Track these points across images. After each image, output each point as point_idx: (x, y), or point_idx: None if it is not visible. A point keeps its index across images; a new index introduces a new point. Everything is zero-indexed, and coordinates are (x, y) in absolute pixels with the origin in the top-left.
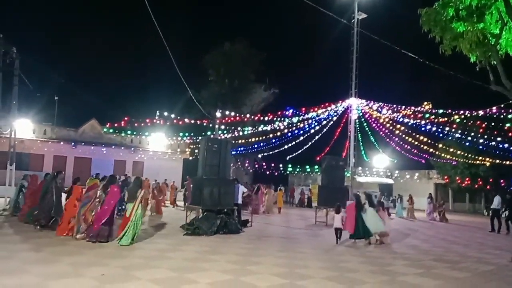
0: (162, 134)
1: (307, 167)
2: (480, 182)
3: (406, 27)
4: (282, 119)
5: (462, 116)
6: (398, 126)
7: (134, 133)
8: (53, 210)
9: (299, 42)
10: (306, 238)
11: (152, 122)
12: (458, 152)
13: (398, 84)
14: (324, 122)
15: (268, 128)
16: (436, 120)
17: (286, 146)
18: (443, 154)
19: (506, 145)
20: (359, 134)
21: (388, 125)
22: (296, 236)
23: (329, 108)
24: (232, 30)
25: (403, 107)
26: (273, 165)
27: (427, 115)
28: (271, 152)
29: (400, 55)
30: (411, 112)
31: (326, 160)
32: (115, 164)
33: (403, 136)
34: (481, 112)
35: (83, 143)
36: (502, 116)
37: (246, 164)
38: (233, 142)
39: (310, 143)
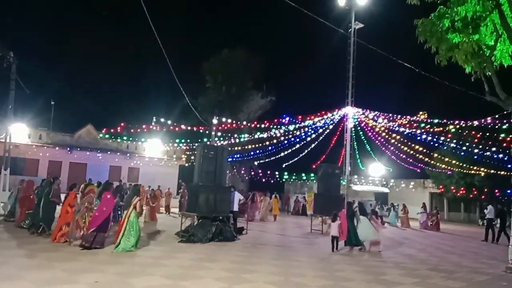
0: (158, 140)
1: (303, 175)
2: (475, 192)
3: (403, 38)
4: (279, 126)
5: (457, 126)
6: (394, 135)
7: (130, 139)
8: (41, 217)
9: (297, 51)
10: (302, 247)
11: (148, 128)
12: (453, 161)
13: (394, 94)
14: (321, 130)
15: (265, 135)
16: (431, 130)
17: (282, 154)
18: (438, 164)
19: (501, 155)
20: (355, 143)
21: (384, 134)
22: (291, 244)
23: (325, 116)
24: (230, 37)
25: (399, 116)
26: (269, 172)
27: (422, 125)
28: (267, 160)
29: (396, 65)
30: (406, 122)
31: (322, 168)
32: (110, 170)
33: (399, 145)
34: (476, 122)
35: (78, 149)
36: (496, 126)
37: (242, 171)
38: (230, 149)
39: (306, 151)
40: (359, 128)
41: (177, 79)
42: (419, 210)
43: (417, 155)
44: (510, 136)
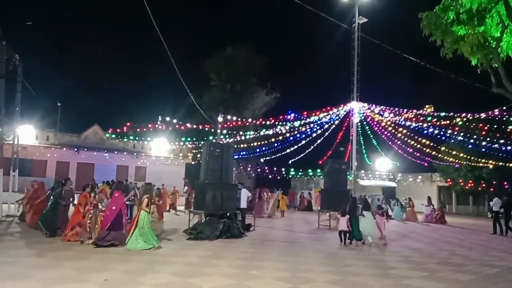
0: (164, 139)
1: (310, 170)
2: (484, 185)
3: (407, 31)
4: (284, 123)
5: (464, 119)
6: (400, 129)
7: (137, 138)
8: (49, 218)
9: (301, 46)
10: (309, 242)
11: (154, 127)
12: (461, 154)
13: (400, 88)
14: (326, 126)
15: (270, 132)
16: (438, 123)
17: (288, 150)
18: (445, 157)
19: (509, 147)
20: (361, 138)
21: (390, 128)
22: (299, 240)
23: (331, 112)
24: (234, 34)
25: (405, 110)
26: (275, 169)
27: (429, 118)
28: (273, 156)
29: (401, 58)
30: (413, 115)
31: (329, 163)
32: (117, 169)
33: (406, 139)
34: (483, 115)
35: (85, 149)
36: (504, 119)
37: (249, 169)
38: (235, 146)
39: (312, 147)
40: (365, 123)
41: (182, 77)
42: (425, 204)
43: (424, 148)
44: None
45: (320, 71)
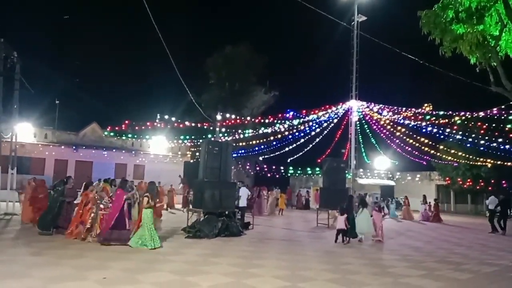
0: (163, 137)
1: (308, 169)
2: (482, 184)
3: (406, 29)
4: (283, 121)
5: (463, 118)
6: (399, 128)
7: (135, 136)
8: (52, 216)
9: (299, 45)
10: (308, 240)
11: (153, 125)
12: (460, 153)
13: (399, 86)
14: (325, 125)
15: (269, 130)
16: (436, 122)
17: (287, 149)
18: (444, 156)
19: (507, 146)
20: (360, 136)
21: (389, 127)
22: (298, 238)
23: (329, 110)
24: (233, 33)
25: (404, 109)
26: (274, 167)
27: (427, 117)
28: (272, 155)
29: (400, 57)
30: (411, 114)
31: (327, 162)
32: (116, 167)
33: (404, 137)
34: (481, 114)
35: (84, 147)
36: (503, 117)
37: (247, 167)
38: (234, 144)
39: (311, 145)
40: (363, 121)
41: (181, 76)
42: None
43: (423, 147)
44: None
45: (319, 69)
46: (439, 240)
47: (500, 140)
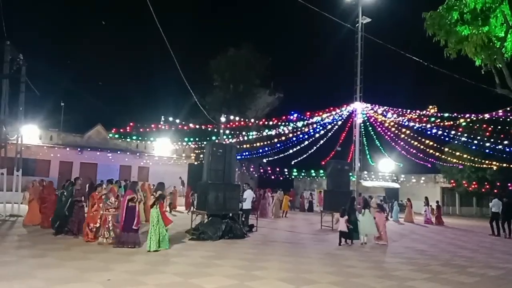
0: (167, 139)
1: (312, 171)
2: (488, 186)
3: (411, 31)
4: (287, 123)
5: (468, 120)
6: (404, 130)
7: (140, 138)
8: (66, 218)
9: (304, 47)
10: (312, 243)
11: (157, 127)
12: (465, 155)
13: (403, 88)
14: (329, 127)
15: (273, 132)
16: (441, 124)
17: (291, 151)
18: (449, 158)
19: None
20: (364, 138)
21: (393, 129)
22: (301, 241)
23: (333, 112)
24: (236, 35)
25: (408, 111)
26: (278, 169)
27: (432, 119)
28: (276, 157)
29: (405, 59)
30: (416, 116)
31: (331, 164)
32: (120, 169)
33: (409, 140)
34: (487, 116)
35: (89, 149)
36: (508, 119)
37: (251, 169)
38: (238, 147)
39: (315, 147)
40: (368, 123)
41: (185, 78)
42: (432, 205)
43: (428, 149)
44: None
45: (323, 71)
46: (444, 243)
47: (505, 142)
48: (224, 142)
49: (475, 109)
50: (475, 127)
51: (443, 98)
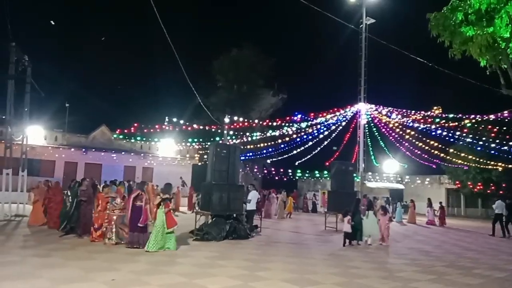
0: (171, 140)
1: (316, 172)
2: (493, 187)
3: (415, 32)
4: (291, 124)
5: (473, 121)
6: (408, 131)
7: (144, 139)
8: (74, 218)
9: (307, 47)
10: (316, 244)
11: (161, 128)
12: (470, 157)
13: (408, 89)
14: (333, 127)
15: (277, 133)
16: (446, 125)
17: (295, 152)
18: (454, 159)
19: None
20: (369, 139)
21: (398, 130)
22: (305, 241)
23: (337, 113)
24: (240, 35)
25: (413, 111)
26: (282, 170)
27: (437, 120)
28: (280, 158)
29: (409, 59)
30: (421, 117)
31: (336, 165)
32: (125, 170)
33: (413, 141)
34: (492, 116)
35: (93, 149)
36: None
37: (255, 170)
38: (242, 147)
39: (319, 148)
40: (372, 124)
41: (189, 79)
42: (435, 206)
43: (432, 150)
44: None
45: (327, 72)
46: (449, 244)
47: (511, 143)
48: (228, 143)
49: (480, 110)
50: (480, 128)
51: (448, 99)
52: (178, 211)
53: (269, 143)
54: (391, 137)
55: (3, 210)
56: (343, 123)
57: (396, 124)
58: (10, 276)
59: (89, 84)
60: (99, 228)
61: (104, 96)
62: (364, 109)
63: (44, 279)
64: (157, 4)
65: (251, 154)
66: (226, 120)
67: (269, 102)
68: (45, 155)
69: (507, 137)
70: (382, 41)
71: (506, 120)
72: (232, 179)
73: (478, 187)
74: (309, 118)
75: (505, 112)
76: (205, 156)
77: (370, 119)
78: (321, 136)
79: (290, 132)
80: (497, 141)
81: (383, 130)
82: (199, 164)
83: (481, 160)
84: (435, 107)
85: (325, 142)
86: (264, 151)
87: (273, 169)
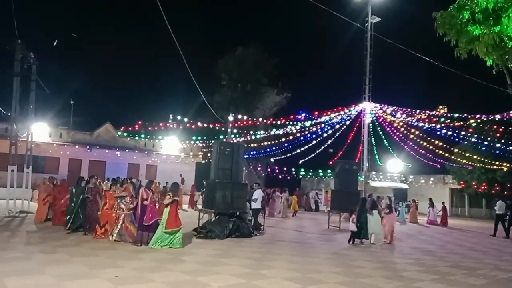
0: (175, 137)
1: (320, 171)
2: (498, 188)
3: (421, 31)
4: (295, 123)
5: (479, 120)
6: (413, 130)
7: (148, 136)
8: (79, 215)
9: (312, 46)
10: (319, 243)
11: (165, 126)
12: (475, 156)
13: (413, 88)
14: (337, 126)
15: (281, 132)
16: (451, 124)
17: (298, 150)
18: (459, 159)
19: None
20: (373, 138)
21: (402, 129)
22: (309, 240)
23: (342, 112)
24: (244, 34)
25: (418, 111)
26: (285, 169)
27: (442, 119)
28: (283, 156)
29: (415, 58)
30: (426, 116)
31: (339, 164)
32: (129, 167)
33: (418, 140)
34: (498, 116)
35: (98, 147)
36: None
37: (259, 168)
38: (246, 146)
39: (323, 147)
40: (376, 123)
41: (193, 77)
42: (439, 206)
43: (437, 150)
44: None
45: (331, 71)
46: (452, 244)
47: None
48: (231, 141)
49: (485, 109)
50: (486, 127)
51: (454, 98)
52: (181, 208)
53: (273, 142)
54: (395, 137)
55: (8, 207)
56: (348, 122)
57: (401, 124)
58: (15, 272)
59: (94, 81)
60: (104, 225)
61: (109, 94)
62: (368, 108)
63: (49, 275)
64: (162, 3)
65: (254, 152)
66: (230, 118)
67: (273, 100)
68: (50, 152)
69: None
70: (387, 39)
71: None
72: (236, 177)
73: (482, 187)
74: (313, 117)
75: (511, 112)
76: (209, 154)
77: (374, 118)
78: (325, 135)
79: (294, 131)
80: (503, 141)
81: (388, 129)
82: (203, 162)
83: (486, 160)
84: (440, 107)
85: (329, 141)
86: (268, 150)
87: (276, 167)
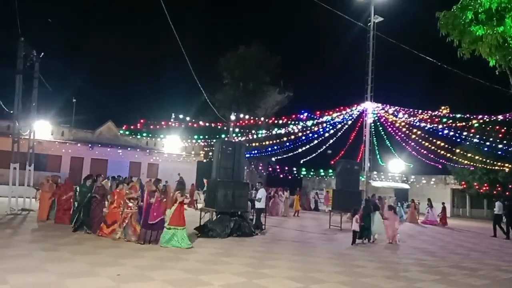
0: (177, 136)
1: (321, 170)
2: (499, 188)
3: (423, 31)
4: (297, 122)
5: (481, 121)
6: (415, 130)
7: (150, 135)
8: (82, 215)
9: (314, 45)
10: (321, 242)
11: (167, 124)
12: (476, 157)
13: (415, 88)
14: (339, 126)
15: (282, 131)
16: (453, 125)
17: (300, 150)
18: (460, 159)
19: None
20: (375, 138)
21: (404, 129)
22: (310, 240)
23: (344, 112)
24: (247, 33)
25: (420, 111)
26: (287, 168)
27: (444, 120)
28: (285, 156)
29: (417, 58)
30: (428, 117)
31: (341, 164)
32: (130, 165)
33: (420, 140)
34: (500, 117)
35: (99, 145)
36: None
37: (260, 167)
38: (247, 145)
39: (324, 146)
40: (378, 123)
41: (195, 75)
42: (440, 206)
43: (439, 150)
44: None
45: (333, 70)
46: (453, 244)
47: None
48: (233, 140)
49: (488, 110)
50: (488, 128)
51: (456, 99)
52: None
53: (275, 141)
54: (397, 137)
55: (10, 204)
56: (349, 122)
57: (403, 124)
58: (17, 269)
59: (96, 80)
60: (111, 224)
61: (111, 92)
62: (370, 108)
63: (51, 273)
64: (165, 2)
65: (256, 151)
66: (232, 117)
67: (275, 99)
68: (52, 150)
69: None
70: (390, 39)
71: None
72: (237, 176)
73: (484, 188)
74: (315, 116)
75: None
76: (210, 153)
77: (376, 118)
78: (326, 134)
79: (296, 130)
80: (505, 141)
81: (389, 129)
82: (204, 161)
83: (488, 160)
84: (442, 107)
85: (331, 141)
86: (270, 149)
87: (278, 167)
